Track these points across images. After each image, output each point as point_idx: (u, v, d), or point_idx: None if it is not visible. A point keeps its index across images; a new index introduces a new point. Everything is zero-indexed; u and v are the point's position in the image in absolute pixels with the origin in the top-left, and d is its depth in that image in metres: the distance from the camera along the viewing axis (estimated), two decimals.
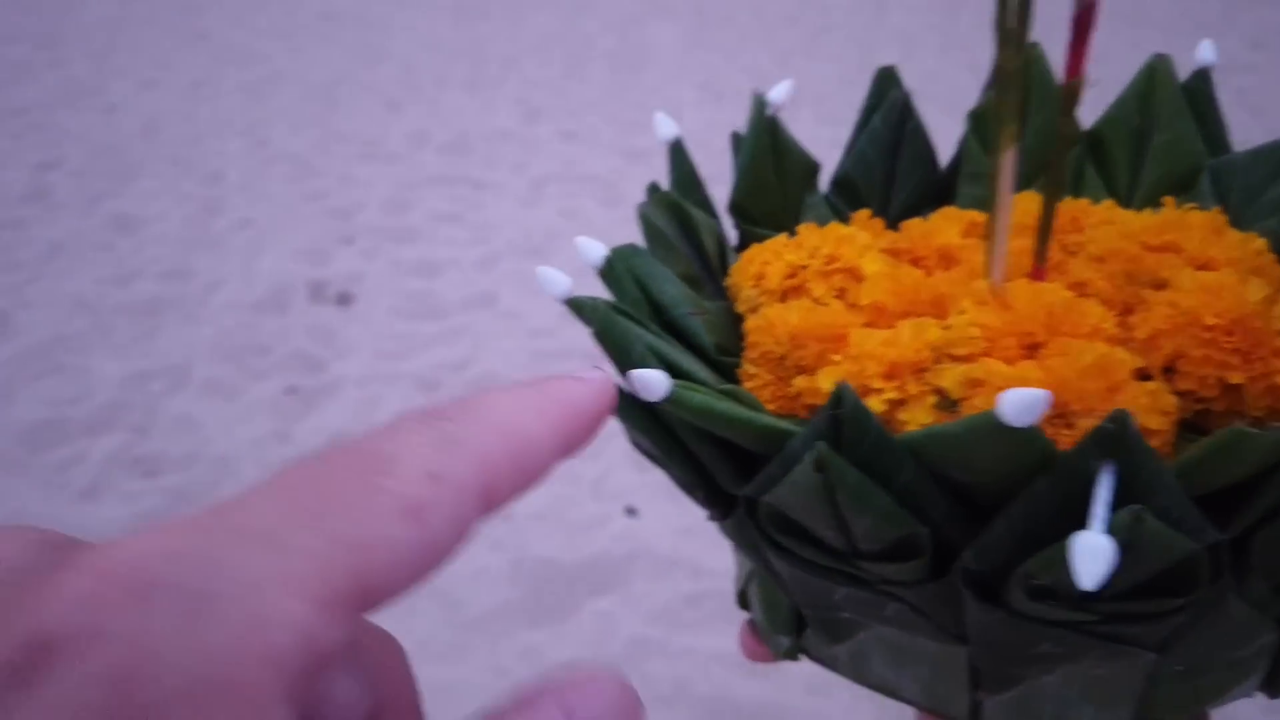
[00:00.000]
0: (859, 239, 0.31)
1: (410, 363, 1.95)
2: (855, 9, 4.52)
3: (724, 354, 0.31)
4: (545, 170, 2.78)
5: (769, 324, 0.29)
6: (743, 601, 0.33)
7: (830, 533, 0.24)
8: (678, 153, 0.36)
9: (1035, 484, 0.21)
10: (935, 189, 0.37)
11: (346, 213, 2.54)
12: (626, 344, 0.27)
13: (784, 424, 0.25)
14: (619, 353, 0.27)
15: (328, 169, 2.77)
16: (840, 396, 0.22)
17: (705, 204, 0.36)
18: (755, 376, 0.29)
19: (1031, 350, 0.26)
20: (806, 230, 0.32)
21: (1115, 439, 0.20)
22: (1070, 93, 0.26)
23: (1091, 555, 0.19)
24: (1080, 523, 0.20)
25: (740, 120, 0.38)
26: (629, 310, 0.29)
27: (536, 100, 3.39)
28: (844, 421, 0.22)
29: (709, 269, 0.34)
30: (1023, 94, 0.26)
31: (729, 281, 0.33)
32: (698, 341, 0.31)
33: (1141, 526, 0.20)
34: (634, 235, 0.36)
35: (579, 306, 0.29)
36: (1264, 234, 0.30)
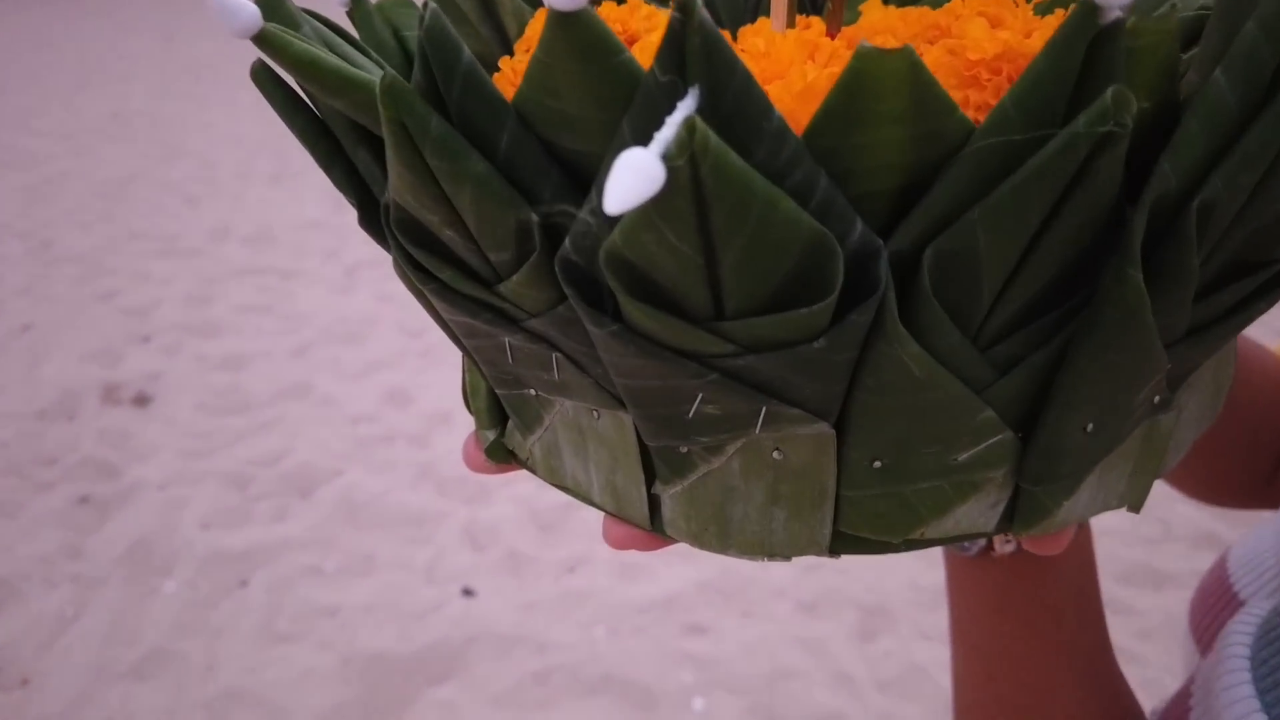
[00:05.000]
0: (659, 19, 0.28)
1: (217, 460, 1.74)
2: None
3: None
4: (357, 256, 2.63)
5: (501, 73, 0.28)
6: (467, 404, 0.29)
7: (440, 223, 0.19)
8: None
9: (621, 128, 0.16)
10: None
11: (142, 311, 2.30)
12: (295, 23, 0.24)
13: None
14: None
15: (120, 267, 2.52)
16: (422, 18, 0.18)
17: None
18: None
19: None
20: (610, 5, 0.29)
21: (677, 39, 0.15)
22: None
23: (629, 170, 0.13)
24: None
25: None
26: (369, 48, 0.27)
27: None
28: (430, 59, 0.18)
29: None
30: None
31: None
32: None
33: (693, 138, 0.14)
34: None
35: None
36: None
